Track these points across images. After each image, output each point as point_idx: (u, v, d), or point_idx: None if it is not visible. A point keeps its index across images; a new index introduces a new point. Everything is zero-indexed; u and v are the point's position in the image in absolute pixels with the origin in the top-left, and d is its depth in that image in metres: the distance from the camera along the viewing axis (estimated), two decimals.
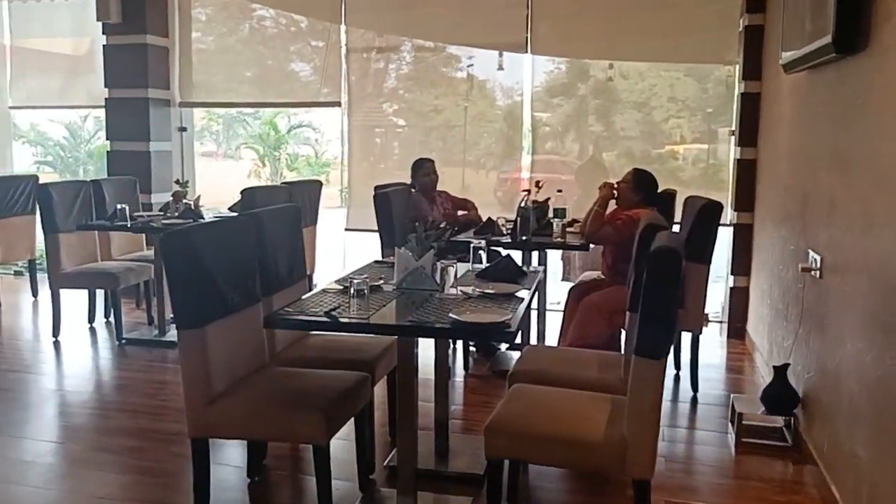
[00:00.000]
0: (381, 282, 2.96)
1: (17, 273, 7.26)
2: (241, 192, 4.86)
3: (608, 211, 4.28)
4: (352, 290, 2.62)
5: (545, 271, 3.41)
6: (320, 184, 5.73)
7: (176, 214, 5.22)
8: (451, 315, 2.43)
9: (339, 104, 6.34)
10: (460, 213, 5.27)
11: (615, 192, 4.28)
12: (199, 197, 5.49)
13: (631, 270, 3.03)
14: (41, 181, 5.79)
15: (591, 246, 4.39)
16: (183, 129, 6.81)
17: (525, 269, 3.32)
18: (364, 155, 6.55)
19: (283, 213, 3.43)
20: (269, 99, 6.94)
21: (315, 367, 3.01)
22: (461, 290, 2.81)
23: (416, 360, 2.70)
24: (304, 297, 2.83)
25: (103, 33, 6.41)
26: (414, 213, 4.89)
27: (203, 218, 5.15)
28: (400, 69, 6.46)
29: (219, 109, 15.63)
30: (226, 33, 6.74)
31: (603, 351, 3.47)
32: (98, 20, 6.29)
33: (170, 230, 2.66)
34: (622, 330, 4.10)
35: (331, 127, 17.39)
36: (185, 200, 5.29)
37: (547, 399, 2.68)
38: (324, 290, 2.88)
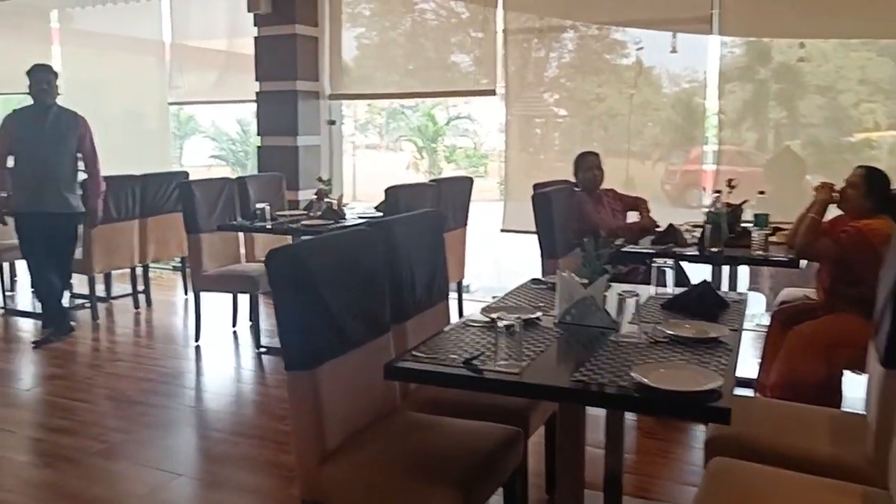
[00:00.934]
0: (539, 314, 2.33)
1: (176, 268, 7.25)
2: (386, 192, 4.38)
3: (827, 218, 3.41)
4: (500, 328, 2.00)
5: (745, 300, 2.63)
6: (471, 181, 5.17)
7: (318, 214, 4.85)
8: (633, 374, 1.77)
9: (493, 92, 5.78)
10: (630, 217, 4.53)
11: (837, 194, 3.39)
12: (341, 196, 5.10)
13: (880, 299, 2.21)
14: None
15: (803, 263, 3.53)
16: (332, 123, 6.49)
17: (724, 296, 2.57)
18: (523, 146, 5.99)
19: (421, 220, 2.88)
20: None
21: (456, 412, 2.43)
22: (644, 333, 2.12)
23: (582, 430, 2.05)
24: (443, 330, 2.25)
25: (254, 25, 6.19)
26: (577, 217, 4.21)
27: (344, 219, 4.75)
28: (562, 57, 5.87)
29: (381, 102, 15.64)
30: (388, 27, 6.39)
31: (830, 408, 2.65)
32: (249, 11, 6.07)
33: (280, 250, 2.16)
34: (843, 371, 3.23)
35: (489, 118, 16.96)
36: (327, 199, 4.91)
37: (768, 493, 1.94)
38: (465, 324, 2.29)
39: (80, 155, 5.02)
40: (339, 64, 6.34)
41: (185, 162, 18.96)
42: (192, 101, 7.90)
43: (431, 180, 4.77)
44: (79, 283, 5.74)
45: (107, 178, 5.68)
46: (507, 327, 1.95)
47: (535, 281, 2.92)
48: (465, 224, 5.06)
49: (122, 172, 5.78)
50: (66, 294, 5.41)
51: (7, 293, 6.24)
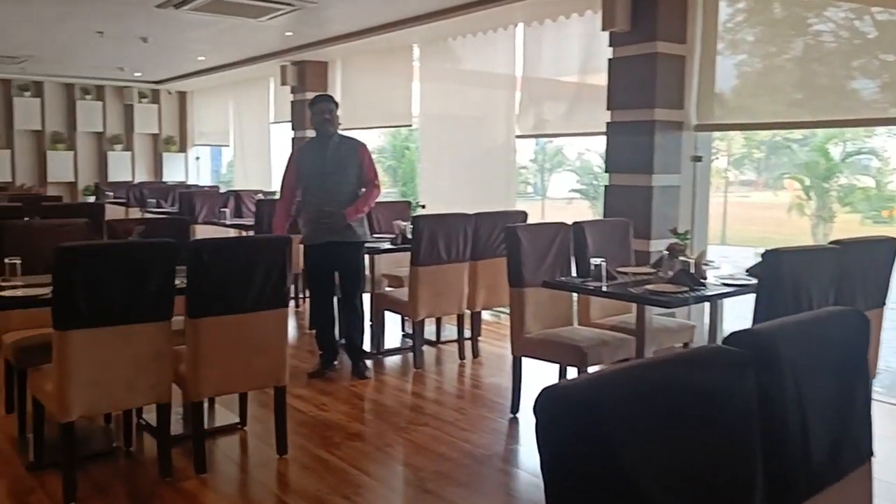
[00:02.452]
0: None
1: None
2: (764, 256, 3.17)
3: None
4: None
5: None
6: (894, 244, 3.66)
7: (668, 276, 3.79)
8: None
9: None
10: None
11: None
12: (702, 254, 3.97)
13: None
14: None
15: None
16: (698, 159, 5.35)
17: None
18: None
19: (829, 324, 1.70)
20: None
21: None
22: None
23: None
24: None
25: (609, 45, 5.34)
26: None
27: (703, 286, 3.61)
28: None
29: (760, 134, 13.85)
30: (774, 52, 5.14)
31: None
32: (603, 29, 5.25)
33: (553, 396, 1.21)
34: None
35: None
36: (682, 257, 3.83)
37: None
38: None
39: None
40: (711, 88, 5.20)
41: (549, 194, 19.14)
42: (539, 134, 7.35)
43: (832, 242, 3.40)
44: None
45: (437, 217, 5.29)
46: None
47: None
48: (883, 304, 3.58)
49: (473, 209, 5.38)
50: (366, 325, 5.24)
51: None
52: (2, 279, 3.56)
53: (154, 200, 9.85)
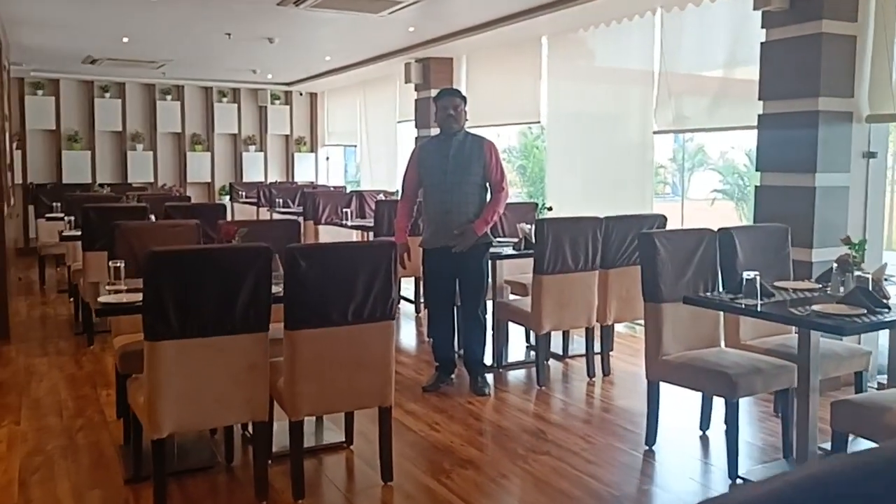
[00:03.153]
0: None
1: None
2: None
3: None
4: None
5: None
6: None
7: (839, 294, 3.18)
8: None
9: None
10: None
11: None
12: (882, 267, 3.32)
13: None
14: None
15: None
16: (871, 155, 4.61)
17: None
18: None
19: None
20: None
21: None
22: None
23: None
24: None
25: (762, 27, 4.70)
26: None
27: (886, 308, 2.98)
28: None
29: None
30: None
31: None
32: (755, 8, 4.61)
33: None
34: None
35: None
36: (858, 272, 3.19)
37: None
38: None
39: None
40: (887, 73, 4.45)
41: (689, 195, 18.05)
42: (679, 130, 6.71)
43: None
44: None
45: (564, 221, 4.85)
46: None
47: None
48: None
49: (605, 211, 4.94)
50: (487, 337, 4.83)
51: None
52: (108, 282, 3.43)
53: (281, 200, 9.91)
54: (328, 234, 8.17)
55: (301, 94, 13.17)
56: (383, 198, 8.08)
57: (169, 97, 12.16)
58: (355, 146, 12.48)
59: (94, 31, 7.85)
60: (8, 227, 6.81)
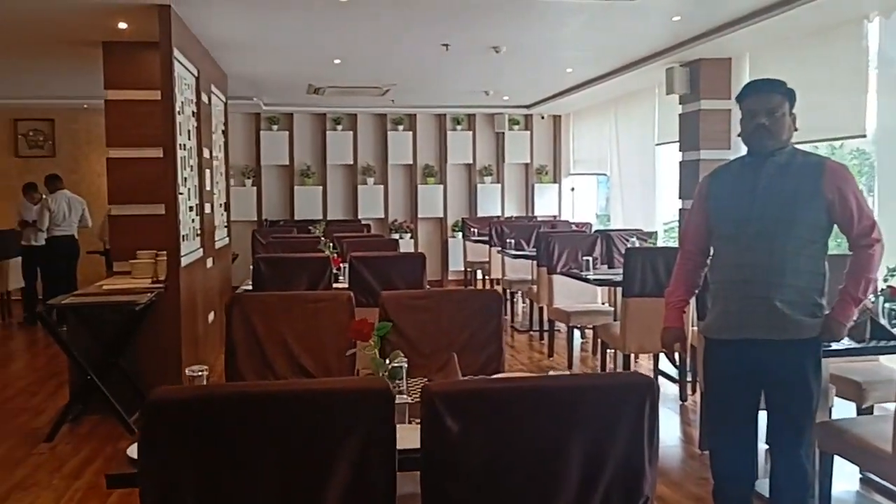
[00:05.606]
0: None
1: None
2: None
3: None
4: None
5: None
6: None
7: None
8: None
9: None
10: None
11: None
12: None
13: None
14: None
15: None
16: None
17: None
18: None
19: None
20: None
21: None
22: None
23: None
24: None
25: None
26: None
27: None
28: None
29: None
30: None
31: None
32: None
33: None
34: None
35: None
36: None
37: None
38: None
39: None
40: None
41: None
42: None
43: None
44: None
45: None
46: None
47: None
48: None
49: None
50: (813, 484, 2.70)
51: None
52: None
53: (513, 241, 8.42)
54: (564, 288, 6.48)
55: (543, 118, 11.67)
56: (636, 243, 6.23)
57: (401, 127, 11.28)
58: (606, 175, 10.67)
59: (300, 53, 6.95)
60: (205, 273, 6.05)
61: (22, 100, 9.54)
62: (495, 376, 2.81)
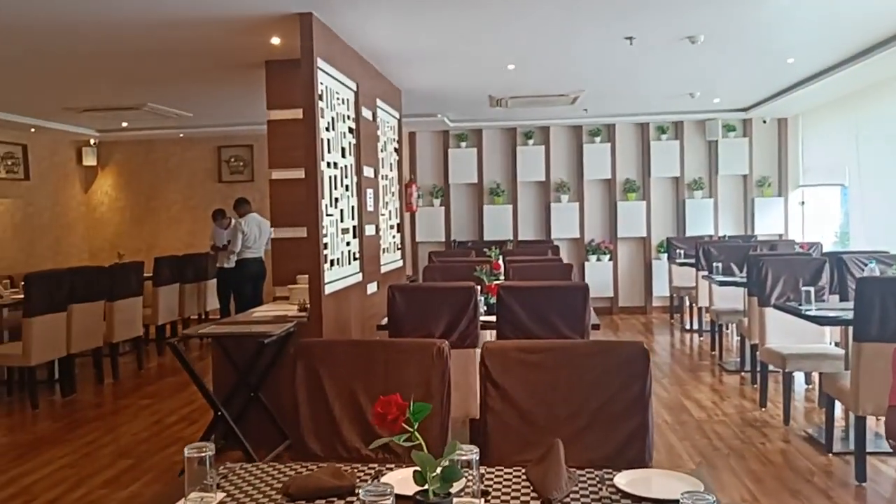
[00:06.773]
0: None
1: None
2: None
3: None
4: None
5: None
6: None
7: None
8: None
9: None
10: None
11: None
12: None
13: None
14: None
15: None
16: None
17: None
18: None
19: None
20: None
21: None
22: None
23: None
24: None
25: None
26: None
27: None
28: None
29: None
30: None
31: None
32: None
33: None
34: None
35: None
36: None
37: None
38: None
39: None
40: None
41: None
42: None
43: None
44: None
45: None
46: None
47: None
48: None
49: None
50: None
51: None
52: None
53: (721, 264, 7.19)
54: (781, 324, 5.23)
55: (765, 122, 10.16)
56: (875, 270, 4.86)
57: (597, 139, 10.34)
58: (845, 186, 8.97)
59: (467, 59, 6.32)
60: (363, 300, 5.61)
61: (225, 127, 9.89)
62: (637, 470, 1.94)
